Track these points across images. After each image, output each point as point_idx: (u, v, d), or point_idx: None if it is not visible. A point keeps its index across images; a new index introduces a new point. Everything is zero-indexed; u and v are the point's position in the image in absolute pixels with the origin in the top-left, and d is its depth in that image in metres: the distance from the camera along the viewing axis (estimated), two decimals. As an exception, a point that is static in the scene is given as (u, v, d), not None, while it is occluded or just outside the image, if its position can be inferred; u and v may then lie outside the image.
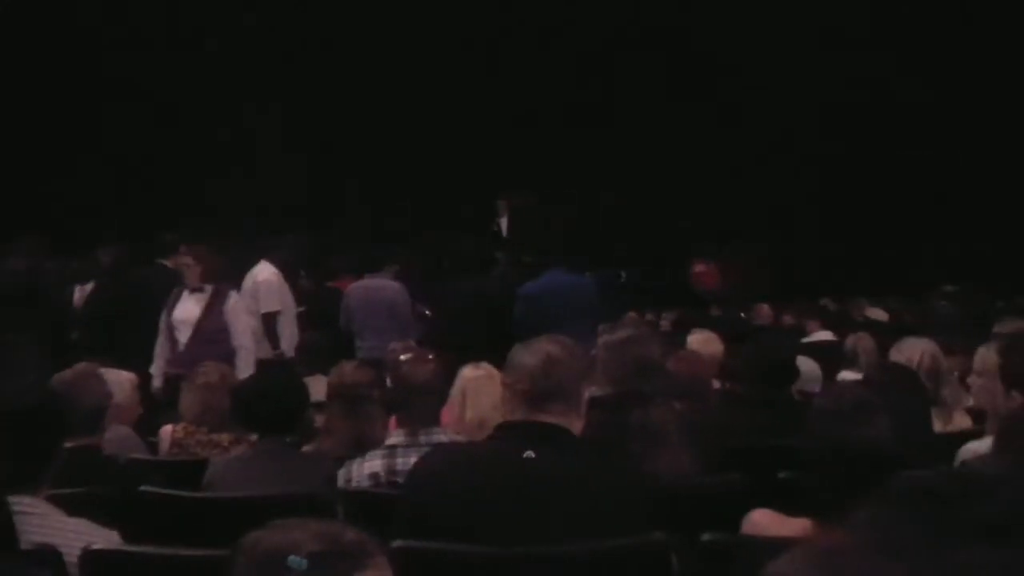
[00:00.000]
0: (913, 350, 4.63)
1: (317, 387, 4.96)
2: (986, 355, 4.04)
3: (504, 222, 13.17)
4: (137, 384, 4.77)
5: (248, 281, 8.13)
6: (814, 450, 2.59)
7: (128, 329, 7.33)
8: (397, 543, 2.84)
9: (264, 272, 8.15)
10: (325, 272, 10.28)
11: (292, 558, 1.57)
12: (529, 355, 2.94)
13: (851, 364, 6.01)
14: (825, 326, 8.37)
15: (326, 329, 7.95)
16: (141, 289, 7.72)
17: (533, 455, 2.82)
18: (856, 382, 4.34)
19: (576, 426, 2.98)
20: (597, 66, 13.91)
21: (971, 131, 14.11)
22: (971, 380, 4.55)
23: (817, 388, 5.64)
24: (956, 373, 5.29)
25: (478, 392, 3.51)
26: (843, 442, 2.55)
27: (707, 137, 13.78)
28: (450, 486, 2.88)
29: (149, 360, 7.10)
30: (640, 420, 3.76)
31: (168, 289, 7.40)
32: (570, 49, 13.87)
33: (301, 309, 8.62)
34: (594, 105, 13.93)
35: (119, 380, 4.40)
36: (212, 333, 7.12)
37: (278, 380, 4.20)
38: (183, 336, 7.20)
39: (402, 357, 3.88)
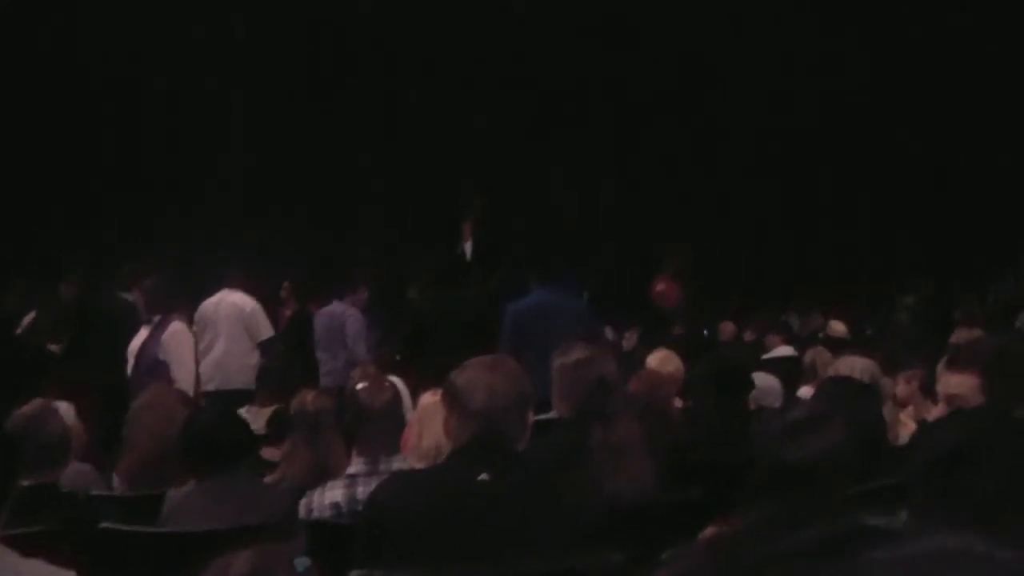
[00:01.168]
0: (851, 368, 4.65)
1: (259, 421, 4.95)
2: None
3: (468, 246, 13.21)
4: (78, 415, 4.73)
5: (227, 310, 8.11)
6: (755, 468, 2.62)
7: (77, 360, 7.29)
8: (354, 573, 2.85)
9: (246, 300, 8.15)
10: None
11: (298, 560, 1.59)
12: (473, 378, 2.95)
13: (809, 379, 6.05)
14: (786, 341, 8.43)
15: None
16: (90, 322, 7.69)
17: (488, 478, 2.83)
18: (809, 399, 4.38)
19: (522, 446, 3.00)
20: (568, 79, 13.95)
21: (931, 139, 14.27)
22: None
23: (778, 403, 5.69)
24: (911, 385, 5.40)
25: (434, 418, 3.52)
26: (782, 461, 2.58)
27: (678, 152, 13.85)
28: (406, 513, 2.89)
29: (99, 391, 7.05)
30: (600, 439, 3.79)
31: (125, 321, 7.38)
32: (540, 63, 13.91)
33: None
34: (563, 117, 13.97)
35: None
36: (151, 365, 7.09)
37: (214, 417, 4.19)
38: (130, 369, 7.23)
39: (359, 385, 3.88)
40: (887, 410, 4.69)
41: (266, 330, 8.16)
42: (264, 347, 7.99)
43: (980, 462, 1.85)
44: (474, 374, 2.95)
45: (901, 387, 5.43)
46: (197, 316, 8.07)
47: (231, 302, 8.14)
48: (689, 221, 13.53)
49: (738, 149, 13.96)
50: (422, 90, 13.84)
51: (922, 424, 4.78)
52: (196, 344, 7.72)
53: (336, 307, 9.04)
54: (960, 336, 6.24)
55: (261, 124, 13.51)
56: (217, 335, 8.02)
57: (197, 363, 7.60)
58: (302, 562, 1.59)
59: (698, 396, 4.98)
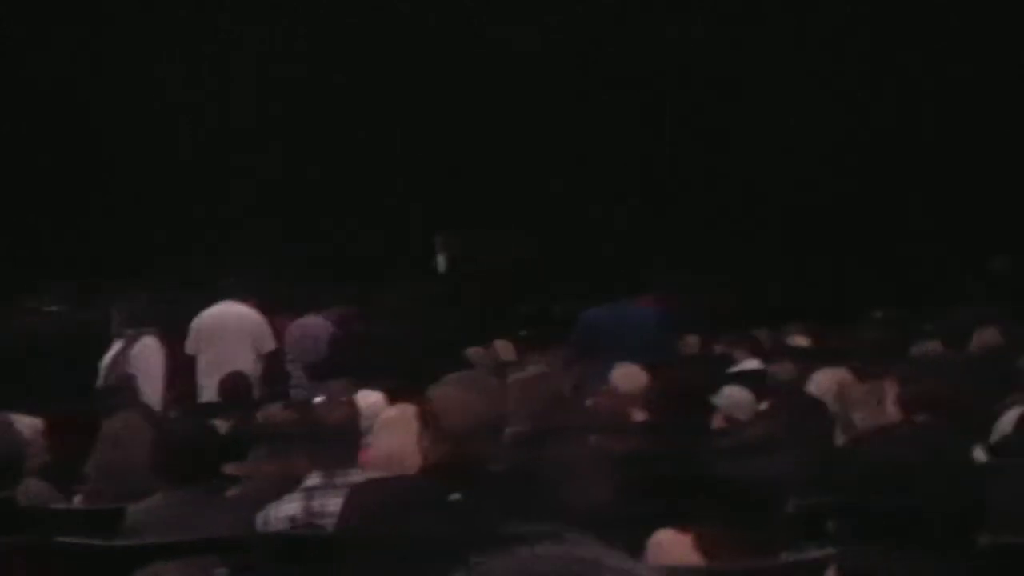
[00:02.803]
0: (824, 379, 4.73)
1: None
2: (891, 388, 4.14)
3: (443, 260, 13.25)
4: (43, 431, 4.74)
5: (234, 323, 8.12)
6: (700, 481, 2.68)
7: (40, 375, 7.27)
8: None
9: (252, 313, 8.18)
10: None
11: (218, 571, 1.63)
12: (449, 396, 2.99)
13: (775, 392, 6.10)
14: (754, 355, 8.48)
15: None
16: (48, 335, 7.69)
17: (459, 497, 2.86)
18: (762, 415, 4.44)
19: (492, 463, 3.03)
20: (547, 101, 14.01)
21: (899, 163, 14.47)
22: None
23: (745, 416, 5.74)
24: (878, 398, 5.42)
25: (390, 430, 3.55)
26: (731, 478, 2.64)
27: (650, 173, 13.93)
28: (377, 524, 2.91)
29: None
30: (557, 454, 3.83)
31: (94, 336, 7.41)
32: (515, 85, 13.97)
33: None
34: (540, 138, 14.03)
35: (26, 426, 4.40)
36: (120, 379, 7.10)
37: (187, 430, 4.22)
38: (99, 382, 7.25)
39: (317, 399, 3.92)
40: (861, 416, 4.73)
41: (270, 342, 8.19)
42: (270, 359, 8.05)
43: (909, 472, 1.89)
44: (451, 392, 2.98)
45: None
46: (197, 326, 8.11)
47: (237, 314, 8.18)
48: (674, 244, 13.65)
49: (718, 168, 14.05)
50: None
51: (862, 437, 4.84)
52: (196, 355, 7.81)
53: (309, 320, 9.06)
54: (919, 349, 6.32)
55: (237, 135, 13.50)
56: (223, 347, 8.05)
57: (169, 377, 7.62)
58: (221, 573, 1.63)
59: (659, 411, 5.01)
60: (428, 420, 3.00)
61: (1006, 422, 4.81)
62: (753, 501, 2.65)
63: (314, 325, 8.94)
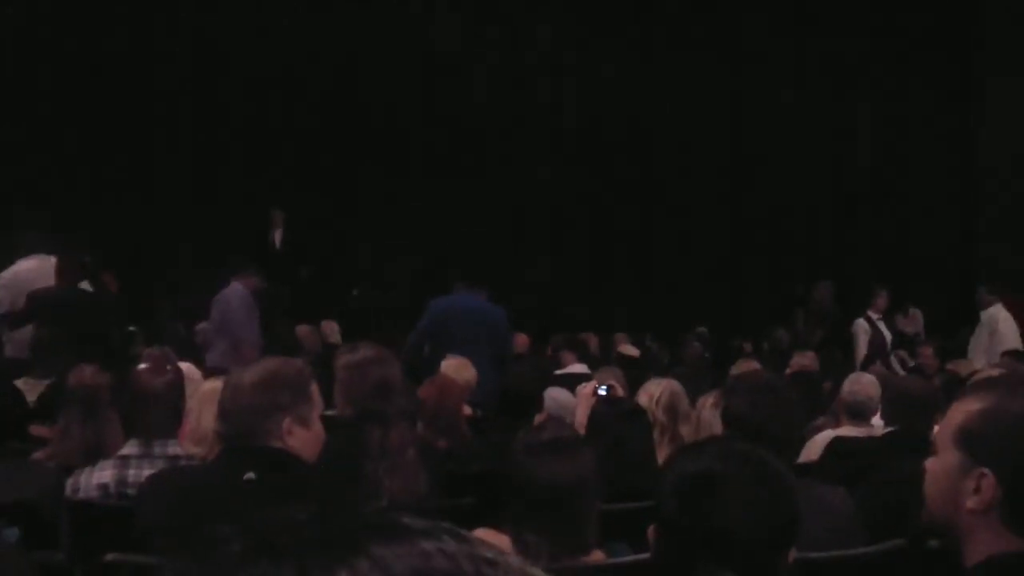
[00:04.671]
0: (656, 388, 4.82)
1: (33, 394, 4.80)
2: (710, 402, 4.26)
3: (279, 234, 13.05)
4: None
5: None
6: (508, 481, 2.70)
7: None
8: (110, 556, 2.80)
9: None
10: None
11: (7, 530, 1.57)
12: (228, 377, 2.94)
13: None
14: (581, 359, 8.60)
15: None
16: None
17: (253, 476, 2.82)
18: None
19: (307, 449, 2.98)
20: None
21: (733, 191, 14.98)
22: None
23: (569, 417, 5.82)
24: (701, 412, 5.57)
25: (211, 404, 3.46)
26: (532, 475, 2.67)
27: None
28: (172, 507, 2.86)
29: None
30: (378, 441, 3.80)
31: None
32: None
33: None
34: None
35: None
36: None
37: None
38: None
39: (141, 366, 3.80)
40: (688, 427, 4.84)
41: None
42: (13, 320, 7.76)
43: (722, 488, 1.93)
44: (232, 374, 2.94)
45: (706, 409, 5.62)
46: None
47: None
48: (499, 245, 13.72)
49: (545, 179, 14.20)
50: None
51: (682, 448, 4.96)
52: None
53: (226, 288, 8.66)
54: (739, 367, 6.51)
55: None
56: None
57: None
58: (12, 532, 1.58)
59: (484, 407, 5.05)
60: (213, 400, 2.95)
61: (815, 445, 5.00)
62: (568, 503, 2.69)
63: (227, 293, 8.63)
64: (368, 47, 13.77)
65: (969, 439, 1.89)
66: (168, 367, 3.76)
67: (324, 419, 3.10)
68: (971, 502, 1.87)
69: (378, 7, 13.82)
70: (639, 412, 4.12)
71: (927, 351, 10.43)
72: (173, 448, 3.70)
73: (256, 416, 2.82)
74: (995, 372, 5.64)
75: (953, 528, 1.93)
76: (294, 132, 13.51)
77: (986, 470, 1.86)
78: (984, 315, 10.56)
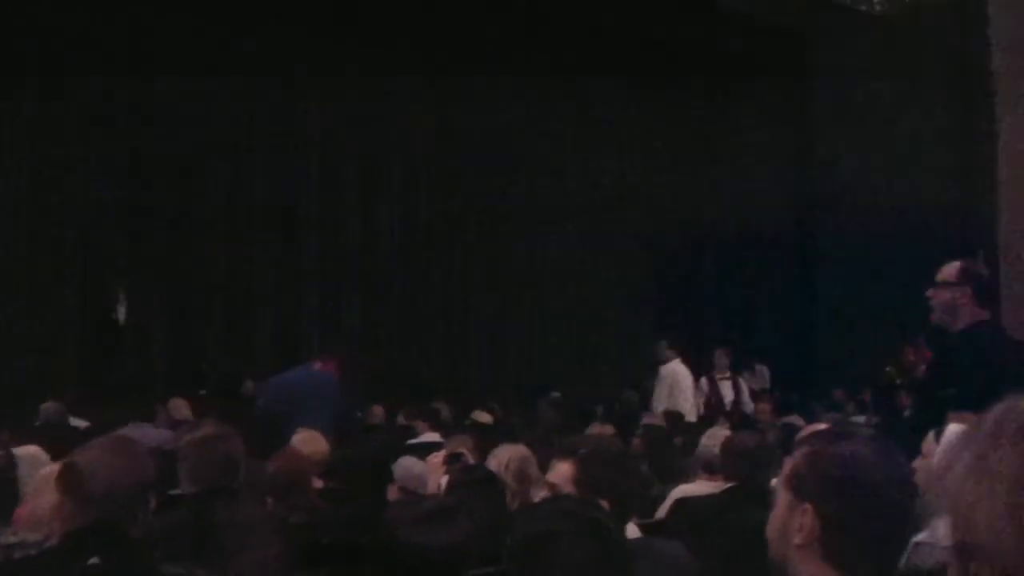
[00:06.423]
0: (504, 454, 4.85)
1: None
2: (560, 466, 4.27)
3: (123, 311, 12.74)
4: None
5: None
6: (381, 551, 2.68)
7: None
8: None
9: None
10: None
11: None
12: (95, 460, 2.86)
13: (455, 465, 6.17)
14: (434, 428, 8.57)
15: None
16: None
17: (98, 562, 2.73)
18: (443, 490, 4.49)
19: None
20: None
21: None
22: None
23: (420, 487, 5.78)
24: (554, 475, 5.57)
25: (43, 490, 3.33)
26: (412, 547, 2.66)
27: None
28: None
29: None
30: (227, 518, 3.72)
31: None
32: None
33: None
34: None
35: None
36: None
37: None
38: None
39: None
40: (538, 492, 4.85)
41: None
42: None
43: (555, 546, 1.99)
44: (97, 456, 2.85)
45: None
46: None
47: None
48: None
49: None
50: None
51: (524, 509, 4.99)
52: None
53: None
54: (593, 432, 6.58)
55: None
56: None
57: None
58: None
59: (338, 479, 4.97)
60: (71, 482, 2.85)
61: (665, 505, 5.10)
62: (431, 569, 2.68)
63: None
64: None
65: (796, 480, 2.04)
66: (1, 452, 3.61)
67: (171, 497, 3.03)
68: (797, 538, 2.00)
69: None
70: (491, 479, 4.13)
71: (764, 407, 10.90)
72: (6, 537, 3.54)
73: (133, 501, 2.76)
74: (822, 426, 5.90)
75: (787, 566, 2.04)
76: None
77: (807, 505, 1.99)
78: (663, 369, 11.05)
